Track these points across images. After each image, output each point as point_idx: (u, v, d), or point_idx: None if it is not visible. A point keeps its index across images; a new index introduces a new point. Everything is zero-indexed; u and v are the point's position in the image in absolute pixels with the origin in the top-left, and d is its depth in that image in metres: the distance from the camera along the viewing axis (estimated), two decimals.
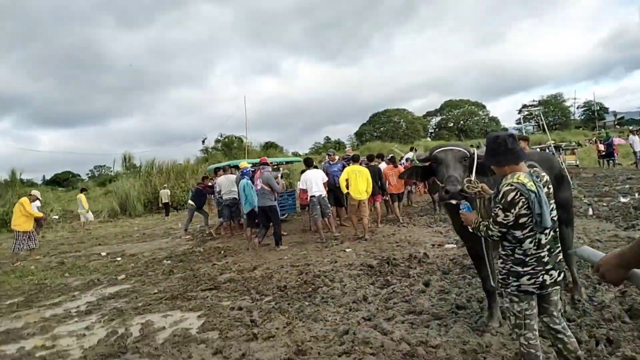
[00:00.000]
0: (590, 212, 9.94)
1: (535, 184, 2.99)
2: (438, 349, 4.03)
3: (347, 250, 8.82)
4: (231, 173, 13.08)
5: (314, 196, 10.46)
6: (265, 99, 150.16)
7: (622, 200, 11.27)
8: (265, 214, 10.03)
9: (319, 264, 7.85)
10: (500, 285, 3.30)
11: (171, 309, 6.12)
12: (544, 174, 3.20)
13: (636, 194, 12.02)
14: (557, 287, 3.18)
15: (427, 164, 4.21)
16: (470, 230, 3.46)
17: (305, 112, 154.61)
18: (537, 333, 3.17)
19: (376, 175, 11.27)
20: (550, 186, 3.22)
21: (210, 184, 14.35)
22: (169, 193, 23.74)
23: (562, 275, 3.15)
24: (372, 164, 11.77)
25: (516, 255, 3.11)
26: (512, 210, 2.99)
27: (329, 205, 10.81)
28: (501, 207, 3.03)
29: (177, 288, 7.19)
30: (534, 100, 77.30)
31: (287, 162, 20.47)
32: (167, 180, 27.00)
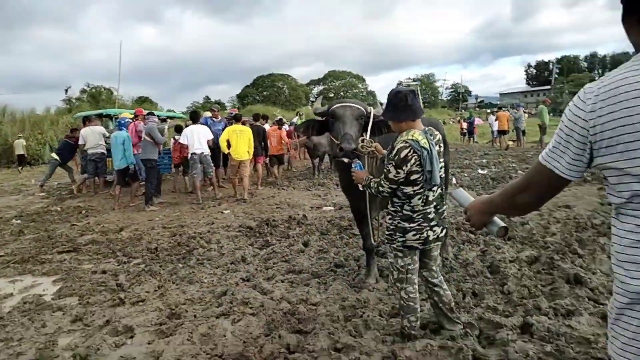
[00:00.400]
0: (454, 181, 10.68)
1: (428, 142, 2.99)
2: (318, 306, 3.98)
3: (225, 212, 8.49)
4: (95, 125, 11.83)
5: (195, 153, 9.77)
6: (143, 50, 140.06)
7: (481, 172, 12.41)
8: (145, 167, 9.37)
9: (194, 225, 7.45)
10: (387, 240, 3.29)
11: (20, 273, 5.39)
12: (437, 132, 3.20)
13: (492, 167, 13.23)
14: (439, 243, 3.26)
15: (323, 118, 4.05)
16: (361, 188, 3.42)
17: (185, 68, 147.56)
18: (417, 287, 3.25)
19: (260, 135, 11.00)
20: (442, 144, 3.25)
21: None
22: (24, 144, 20.86)
23: (444, 231, 3.22)
24: (257, 123, 11.43)
25: (404, 212, 3.11)
26: (404, 167, 2.96)
27: (212, 165, 10.23)
28: (394, 163, 2.99)
29: (29, 250, 6.35)
30: (409, 78, 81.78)
31: (167, 118, 18.89)
32: (22, 130, 23.79)
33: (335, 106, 3.92)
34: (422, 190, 3.06)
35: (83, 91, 40.31)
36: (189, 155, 10.00)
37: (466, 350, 2.99)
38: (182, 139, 10.13)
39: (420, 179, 3.02)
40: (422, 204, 3.08)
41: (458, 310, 3.59)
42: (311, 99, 69.52)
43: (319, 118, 4.18)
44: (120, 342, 3.48)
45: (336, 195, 9.73)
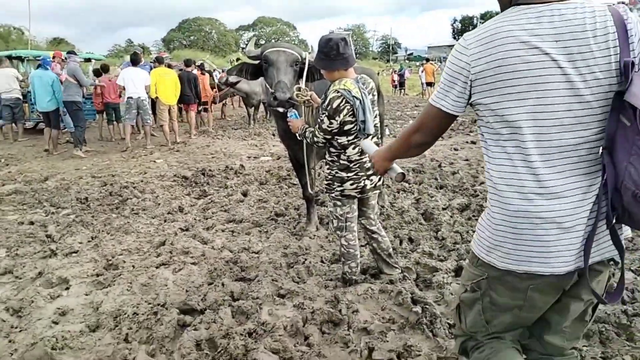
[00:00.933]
0: (387, 132, 10.89)
1: (360, 91, 2.95)
2: (260, 254, 4.02)
3: (158, 161, 8.22)
4: (6, 67, 10.83)
5: (131, 97, 9.38)
6: None
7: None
8: (67, 110, 8.83)
9: (125, 175, 7.16)
10: (325, 190, 3.33)
11: None
12: (370, 80, 3.18)
13: None
14: (377, 192, 3.36)
15: (257, 62, 3.92)
16: (298, 137, 3.39)
17: (104, 8, 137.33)
18: (356, 234, 3.35)
19: (191, 82, 10.63)
20: (375, 93, 3.25)
21: None
22: None
23: (381, 180, 3.32)
24: (188, 69, 10.94)
25: (341, 162, 3.14)
26: (337, 117, 2.95)
27: (150, 112, 9.83)
28: (327, 114, 2.97)
29: None
30: (339, 27, 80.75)
31: (88, 60, 17.41)
32: None
33: (268, 50, 3.75)
34: (356, 140, 3.07)
35: None
36: (125, 99, 9.56)
37: (405, 293, 3.14)
38: (119, 80, 9.64)
39: (354, 128, 3.03)
40: (358, 154, 3.11)
41: (396, 256, 3.74)
42: (241, 46, 67.41)
43: (252, 62, 4.01)
44: (55, 294, 3.35)
45: (273, 145, 9.67)
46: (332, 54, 2.94)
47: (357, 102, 2.93)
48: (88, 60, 13.91)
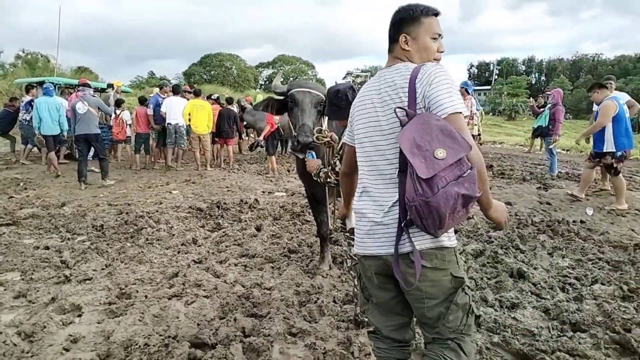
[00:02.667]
0: None
1: None
2: (273, 290, 4.00)
3: (174, 192, 8.30)
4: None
5: (170, 124, 10.58)
6: (84, 17, 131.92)
7: None
8: (88, 143, 8.95)
9: (141, 204, 7.24)
10: (340, 229, 3.34)
11: None
12: None
13: None
14: None
15: (282, 98, 3.97)
16: (313, 177, 3.46)
17: (129, 40, 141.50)
18: None
19: (231, 118, 11.55)
20: None
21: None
22: None
23: None
24: (229, 107, 12.02)
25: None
26: None
27: (185, 137, 10.97)
28: (339, 157, 3.05)
29: None
30: (357, 68, 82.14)
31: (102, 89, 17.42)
32: None
33: (295, 90, 3.81)
34: None
35: (18, 57, 37.64)
36: (166, 125, 10.60)
37: (418, 339, 3.09)
38: (163, 107, 10.56)
39: None
40: None
41: None
42: (260, 82, 68.59)
43: (278, 97, 4.04)
44: (67, 321, 3.35)
45: (288, 181, 9.73)
46: (343, 104, 3.04)
47: None
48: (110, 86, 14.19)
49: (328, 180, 3.23)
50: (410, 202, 1.68)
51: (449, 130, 1.70)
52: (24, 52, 37.51)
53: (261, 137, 11.06)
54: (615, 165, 7.05)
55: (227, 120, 11.35)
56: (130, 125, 11.19)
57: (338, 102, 3.07)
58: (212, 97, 13.15)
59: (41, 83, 11.76)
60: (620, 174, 7.18)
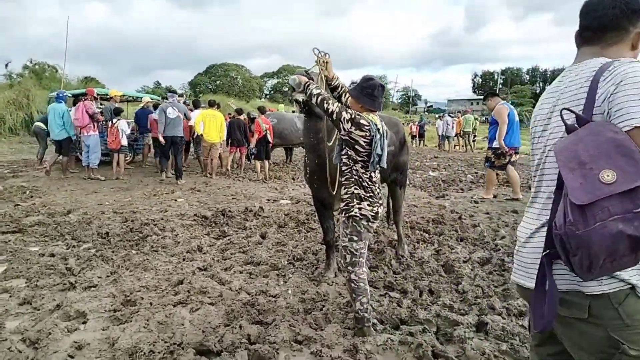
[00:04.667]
0: (407, 181, 10.93)
1: (383, 129, 3.18)
2: (278, 298, 3.98)
3: (179, 200, 8.31)
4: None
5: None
6: (92, 28, 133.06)
7: (432, 174, 12.72)
8: (174, 145, 10.27)
9: (146, 212, 7.24)
10: (344, 212, 3.33)
11: None
12: (395, 130, 3.38)
13: (443, 170, 13.60)
14: (377, 223, 3.43)
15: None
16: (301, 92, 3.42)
17: (135, 51, 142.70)
18: (365, 269, 3.45)
19: (241, 127, 11.92)
20: (401, 142, 3.37)
21: None
22: None
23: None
24: (239, 117, 12.29)
25: (353, 177, 3.26)
26: (354, 127, 3.07)
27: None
28: (351, 114, 3.08)
29: None
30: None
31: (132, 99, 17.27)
32: None
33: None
34: (365, 167, 3.21)
35: (25, 67, 37.97)
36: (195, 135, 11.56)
37: (425, 346, 3.07)
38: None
39: (363, 153, 3.16)
40: (369, 182, 3.26)
41: (416, 307, 3.70)
42: (265, 92, 68.85)
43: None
44: (72, 327, 3.34)
45: (293, 189, 9.73)
46: (367, 92, 3.17)
47: (378, 136, 3.12)
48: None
49: (325, 104, 3.13)
50: (557, 230, 1.35)
51: (629, 148, 1.30)
52: (31, 62, 37.83)
53: (252, 145, 11.52)
54: (494, 160, 8.57)
55: (238, 130, 11.77)
56: (126, 133, 10.97)
57: (365, 87, 3.17)
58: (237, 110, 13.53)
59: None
60: (511, 167, 8.60)
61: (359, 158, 3.18)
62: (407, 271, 4.72)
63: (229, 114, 14.10)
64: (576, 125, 1.44)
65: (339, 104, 3.14)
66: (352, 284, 3.35)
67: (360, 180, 3.23)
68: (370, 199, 3.26)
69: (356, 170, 3.23)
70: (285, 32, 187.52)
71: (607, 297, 1.42)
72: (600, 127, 1.38)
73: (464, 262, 5.00)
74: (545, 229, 1.53)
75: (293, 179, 11.28)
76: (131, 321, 3.48)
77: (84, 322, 3.47)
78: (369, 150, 3.13)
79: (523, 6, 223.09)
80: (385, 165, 3.22)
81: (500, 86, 72.61)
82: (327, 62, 3.57)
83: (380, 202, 3.32)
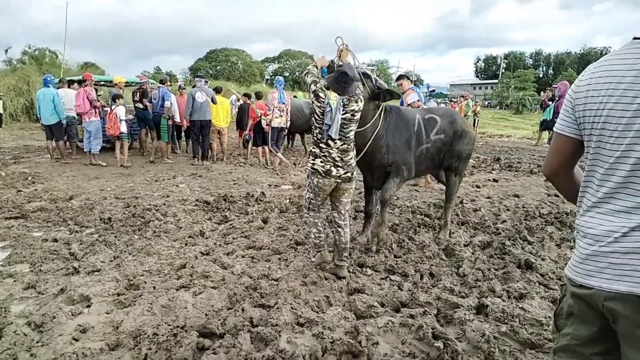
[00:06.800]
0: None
1: (337, 104, 3.92)
2: (280, 281, 4.01)
3: (181, 185, 8.32)
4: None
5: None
6: (92, 13, 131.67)
7: None
8: (202, 129, 10.88)
9: (148, 197, 7.26)
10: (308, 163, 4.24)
11: None
12: (355, 106, 4.06)
13: None
14: (347, 187, 4.21)
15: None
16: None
17: (136, 36, 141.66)
18: (316, 213, 4.30)
19: (247, 111, 11.87)
20: (355, 112, 4.09)
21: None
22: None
23: (349, 175, 4.13)
24: (249, 101, 12.09)
25: (314, 139, 4.18)
26: (312, 95, 4.05)
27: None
28: (318, 86, 4.06)
29: None
30: (363, 63, 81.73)
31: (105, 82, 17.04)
32: None
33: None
34: (321, 132, 4.03)
35: (25, 53, 37.70)
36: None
37: (426, 328, 3.10)
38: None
39: (319, 120, 4.03)
40: (324, 146, 4.06)
41: (417, 290, 3.72)
42: (266, 77, 68.53)
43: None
44: (76, 311, 3.38)
45: (294, 175, 9.74)
46: (334, 77, 4.05)
47: (328, 108, 3.93)
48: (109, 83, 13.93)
49: (306, 76, 4.17)
50: None
51: None
52: (30, 47, 37.57)
53: (247, 131, 11.68)
54: None
55: (247, 114, 11.75)
56: (121, 121, 10.50)
57: (336, 75, 4.02)
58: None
59: (71, 81, 11.81)
60: None
61: (316, 124, 4.06)
62: (408, 255, 4.74)
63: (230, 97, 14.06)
64: None
65: (315, 79, 4.09)
66: (304, 218, 4.42)
67: (317, 141, 4.09)
68: (323, 158, 4.07)
69: (316, 133, 4.09)
70: (287, 17, 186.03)
71: None
72: None
73: (465, 245, 5.03)
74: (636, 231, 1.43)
75: (295, 164, 11.28)
76: (135, 305, 3.52)
77: (88, 306, 3.50)
78: (322, 119, 3.97)
79: None
80: (333, 135, 3.94)
81: (503, 70, 72.04)
82: (341, 51, 4.45)
83: (338, 165, 4.05)
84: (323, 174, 4.07)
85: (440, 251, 4.87)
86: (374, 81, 4.59)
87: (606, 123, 1.50)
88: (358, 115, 4.12)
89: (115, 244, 4.95)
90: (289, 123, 10.66)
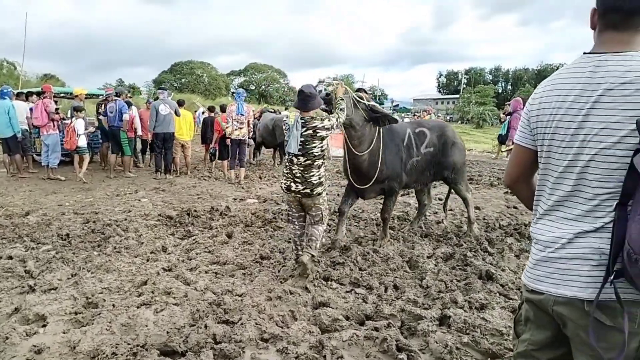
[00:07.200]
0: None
1: (295, 123, 4.29)
2: (244, 296, 3.97)
3: (143, 200, 8.15)
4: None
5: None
6: (53, 23, 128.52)
7: None
8: (165, 142, 10.66)
9: (109, 212, 7.08)
10: None
11: None
12: (316, 123, 4.28)
13: None
14: (313, 201, 4.45)
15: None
16: None
17: (98, 47, 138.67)
18: (295, 226, 4.70)
19: (213, 125, 11.85)
20: (319, 131, 4.30)
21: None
22: None
23: (308, 191, 4.38)
24: (212, 114, 12.28)
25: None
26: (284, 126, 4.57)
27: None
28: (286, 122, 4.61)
29: None
30: (329, 77, 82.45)
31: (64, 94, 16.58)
32: None
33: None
34: (288, 152, 4.42)
35: None
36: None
37: (390, 340, 3.12)
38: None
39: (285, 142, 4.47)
40: (288, 162, 4.46)
41: (381, 302, 3.75)
42: (231, 90, 68.19)
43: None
44: (31, 331, 3.26)
45: (260, 188, 9.69)
46: (298, 97, 4.36)
47: (287, 127, 4.47)
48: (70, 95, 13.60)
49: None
50: (639, 255, 1.29)
51: None
52: None
53: (213, 144, 11.74)
54: None
55: (211, 127, 11.76)
56: (79, 135, 10.13)
57: (298, 94, 4.34)
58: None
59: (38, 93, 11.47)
60: None
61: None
62: (373, 267, 4.78)
63: (195, 111, 13.97)
64: None
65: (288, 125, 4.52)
66: (290, 234, 5.01)
67: (285, 162, 4.55)
68: (286, 175, 4.49)
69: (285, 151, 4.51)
70: (253, 30, 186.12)
71: None
72: None
73: (428, 257, 5.10)
74: (591, 235, 1.48)
75: (260, 177, 11.23)
76: (93, 323, 3.41)
77: (44, 326, 3.38)
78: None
79: (490, 6, 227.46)
80: (291, 151, 4.31)
81: (464, 85, 73.90)
82: (336, 87, 4.88)
83: (297, 180, 4.37)
84: (285, 190, 4.48)
85: (404, 263, 4.92)
86: (367, 106, 5.03)
87: (555, 134, 1.59)
88: (323, 133, 4.30)
89: (73, 260, 4.80)
90: (251, 135, 10.59)
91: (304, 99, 4.28)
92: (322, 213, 4.54)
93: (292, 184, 4.39)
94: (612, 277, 1.38)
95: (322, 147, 4.36)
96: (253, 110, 12.95)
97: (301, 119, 4.29)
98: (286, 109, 17.76)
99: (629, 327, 1.38)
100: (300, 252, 4.50)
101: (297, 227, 4.66)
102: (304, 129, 4.26)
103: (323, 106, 4.58)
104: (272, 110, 14.91)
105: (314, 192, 4.40)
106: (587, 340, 1.45)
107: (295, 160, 4.35)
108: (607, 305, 1.42)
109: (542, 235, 1.64)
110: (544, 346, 1.66)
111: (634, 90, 1.39)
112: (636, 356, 1.42)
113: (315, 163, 4.36)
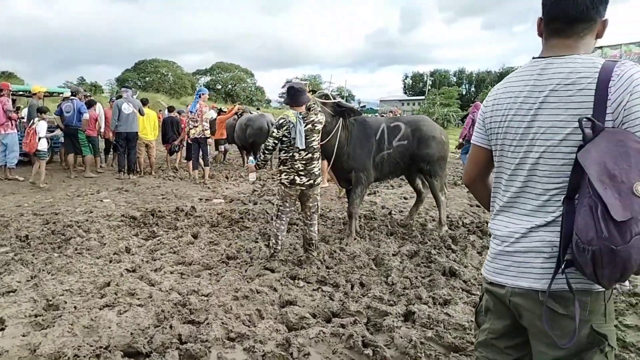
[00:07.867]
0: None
1: (296, 119, 4.46)
2: (210, 296, 3.94)
3: (105, 200, 7.97)
4: None
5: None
6: (11, 19, 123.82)
7: None
8: (129, 141, 10.52)
9: (69, 213, 6.90)
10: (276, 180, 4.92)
11: None
12: (317, 117, 4.70)
13: None
14: (313, 192, 4.77)
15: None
16: (260, 166, 4.97)
17: (59, 44, 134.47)
18: (284, 223, 4.83)
19: (174, 125, 12.04)
20: (319, 124, 4.72)
21: None
22: None
23: (312, 181, 4.68)
24: (172, 114, 12.40)
25: (281, 159, 4.70)
26: (280, 130, 4.50)
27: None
28: (276, 126, 4.55)
29: None
30: (296, 77, 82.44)
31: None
32: None
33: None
34: (290, 149, 4.55)
35: None
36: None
37: (356, 337, 3.16)
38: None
39: (288, 141, 4.53)
40: (291, 159, 4.56)
41: (347, 300, 3.78)
42: (197, 88, 67.22)
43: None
44: None
45: (226, 188, 9.62)
46: (289, 93, 4.68)
47: (291, 125, 4.46)
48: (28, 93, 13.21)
49: (266, 147, 4.63)
50: (586, 245, 1.33)
51: None
52: None
53: (177, 142, 11.80)
54: None
55: (171, 127, 11.81)
56: (40, 139, 9.67)
57: (288, 91, 4.66)
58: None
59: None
60: None
61: (282, 146, 4.59)
62: (340, 265, 4.81)
63: (160, 110, 13.80)
64: (591, 132, 1.40)
65: (268, 139, 4.61)
66: (272, 230, 4.86)
67: (283, 158, 4.63)
68: (287, 171, 4.60)
69: (282, 153, 4.63)
70: (221, 29, 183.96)
71: (602, 294, 1.50)
72: (622, 135, 1.38)
73: (394, 255, 5.17)
74: (543, 229, 1.55)
75: (227, 177, 11.15)
76: (54, 326, 3.33)
77: (2, 329, 3.28)
78: (289, 137, 4.49)
79: (455, 10, 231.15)
80: (301, 146, 4.46)
81: (429, 87, 75.04)
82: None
83: (301, 174, 4.58)
84: (288, 184, 4.61)
85: (370, 261, 4.98)
86: (333, 102, 5.37)
87: (507, 134, 1.67)
88: (319, 127, 4.71)
89: (32, 262, 4.67)
90: (207, 133, 10.21)
91: (294, 95, 4.55)
92: (317, 204, 4.89)
93: (297, 177, 4.59)
94: (562, 266, 1.44)
95: (318, 139, 4.74)
96: (223, 110, 12.92)
97: (300, 115, 4.52)
98: (258, 109, 17.68)
99: (580, 315, 1.43)
100: (279, 248, 4.86)
101: (284, 222, 4.81)
102: (305, 125, 4.53)
103: (310, 103, 4.77)
104: (252, 112, 14.78)
105: (316, 183, 4.75)
106: (542, 328, 1.51)
107: (297, 155, 4.56)
108: (560, 294, 1.49)
109: (499, 230, 1.71)
110: (503, 335, 1.73)
111: (576, 90, 1.48)
112: (587, 342, 1.48)
113: (315, 155, 4.68)
